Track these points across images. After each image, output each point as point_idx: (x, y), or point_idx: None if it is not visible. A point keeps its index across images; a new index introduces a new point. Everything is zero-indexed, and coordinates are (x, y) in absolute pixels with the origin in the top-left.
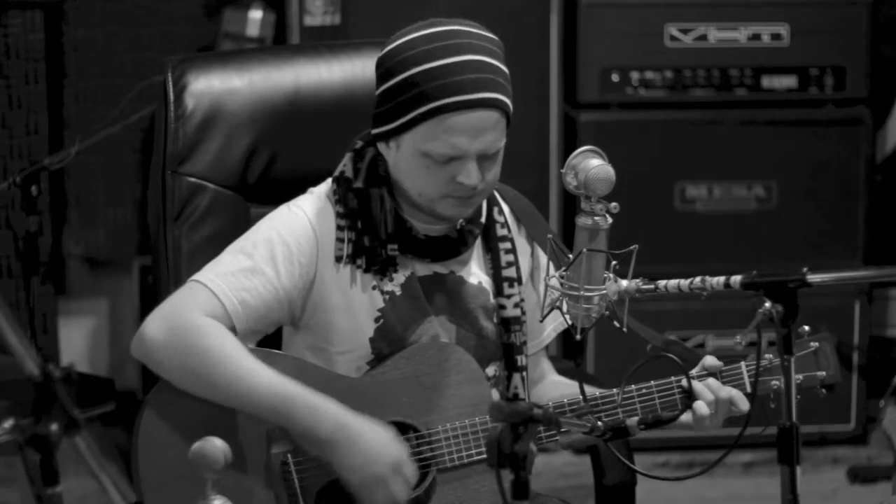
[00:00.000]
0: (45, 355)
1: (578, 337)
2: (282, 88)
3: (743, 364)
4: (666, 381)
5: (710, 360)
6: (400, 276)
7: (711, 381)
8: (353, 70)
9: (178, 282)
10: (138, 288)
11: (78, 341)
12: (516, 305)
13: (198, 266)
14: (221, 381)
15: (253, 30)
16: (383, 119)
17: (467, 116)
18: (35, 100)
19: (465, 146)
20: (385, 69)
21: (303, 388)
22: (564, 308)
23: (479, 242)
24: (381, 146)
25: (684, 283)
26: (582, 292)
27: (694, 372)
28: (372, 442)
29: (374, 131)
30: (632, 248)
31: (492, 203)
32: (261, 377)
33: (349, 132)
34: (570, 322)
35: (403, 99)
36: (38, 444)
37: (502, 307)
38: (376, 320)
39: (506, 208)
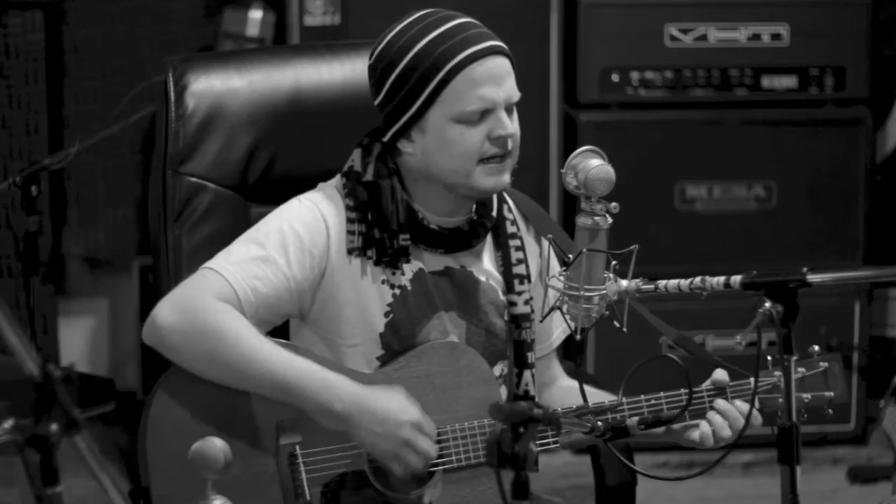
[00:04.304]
0: (45, 355)
1: (578, 337)
2: (282, 88)
3: (752, 380)
4: (675, 393)
5: (718, 375)
6: (409, 271)
7: (730, 410)
8: (353, 70)
9: (179, 282)
10: (138, 288)
11: (78, 341)
12: (526, 303)
13: (198, 266)
14: (236, 360)
15: (253, 30)
16: (398, 113)
17: (486, 65)
18: (35, 100)
19: (493, 95)
20: (383, 68)
21: (315, 364)
22: (565, 308)
23: (489, 239)
24: (404, 144)
25: (684, 283)
26: (582, 292)
27: (703, 387)
28: (387, 409)
29: (391, 132)
30: (632, 248)
31: (501, 201)
32: (274, 356)
33: (349, 132)
34: (570, 322)
35: (416, 79)
36: (38, 444)
37: (513, 304)
38: (386, 315)
39: (514, 208)
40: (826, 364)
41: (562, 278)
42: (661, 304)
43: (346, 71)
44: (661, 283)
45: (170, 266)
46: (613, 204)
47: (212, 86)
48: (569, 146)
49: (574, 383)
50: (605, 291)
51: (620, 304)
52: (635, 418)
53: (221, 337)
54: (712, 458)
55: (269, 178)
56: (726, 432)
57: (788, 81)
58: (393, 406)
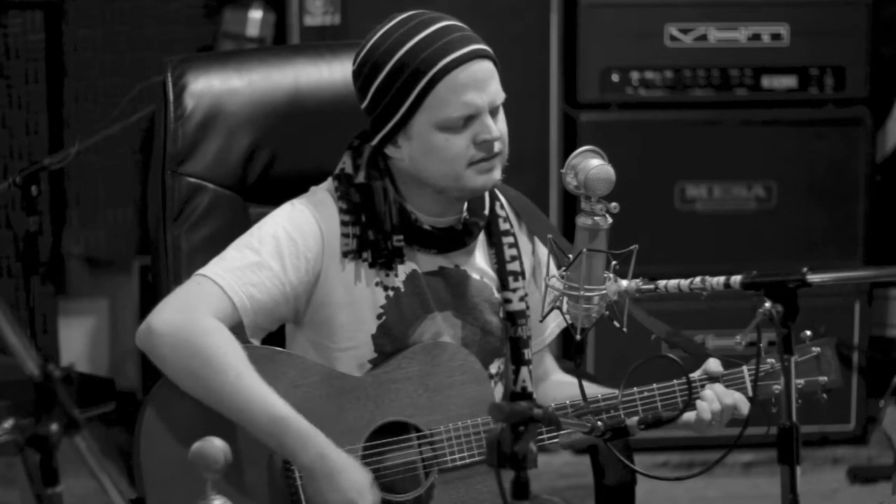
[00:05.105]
0: (45, 355)
1: (578, 337)
2: (282, 88)
3: (745, 368)
4: (668, 385)
5: (712, 365)
6: (402, 273)
7: (717, 386)
8: None
9: (178, 282)
10: (138, 288)
11: (78, 341)
12: (521, 299)
13: (197, 266)
14: (219, 389)
15: (253, 30)
16: (384, 118)
17: (469, 70)
18: (35, 100)
19: (476, 100)
20: (366, 73)
21: (295, 413)
22: (564, 308)
23: (482, 237)
24: (391, 150)
25: (684, 283)
26: (582, 292)
27: (696, 375)
28: (348, 482)
29: (378, 138)
30: (632, 248)
31: (493, 198)
32: (257, 395)
33: (349, 132)
34: (570, 322)
35: (400, 85)
36: (38, 444)
37: (508, 301)
38: (378, 317)
39: (506, 205)
40: (818, 349)
41: (562, 278)
42: (661, 304)
43: (346, 71)
44: (661, 283)
45: (169, 266)
46: (613, 204)
47: (211, 86)
48: (569, 146)
49: (567, 377)
50: (605, 291)
51: (620, 304)
52: (635, 418)
53: (208, 360)
54: (712, 458)
55: (269, 179)
56: (716, 405)
57: (788, 81)
58: (354, 484)
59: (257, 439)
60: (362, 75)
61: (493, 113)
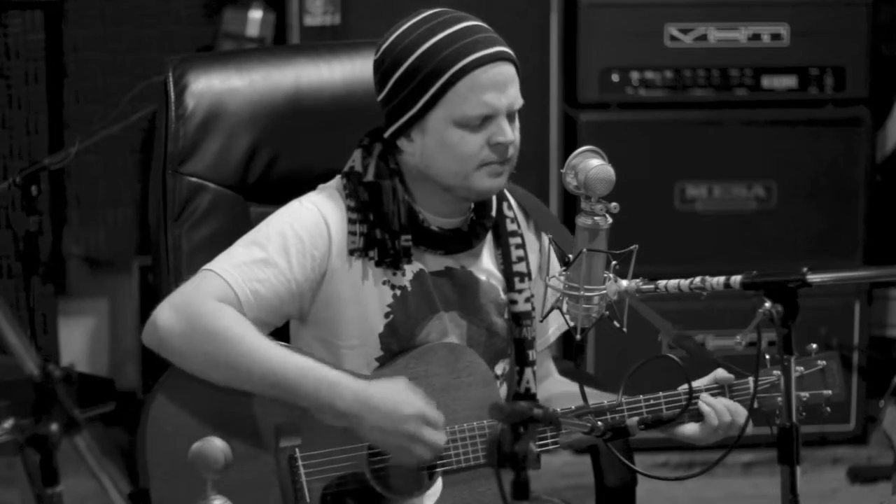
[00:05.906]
0: (45, 355)
1: (578, 337)
2: (282, 88)
3: (751, 380)
4: (674, 393)
5: (720, 373)
6: (409, 272)
7: (723, 402)
8: (353, 70)
9: (179, 282)
10: (138, 288)
11: (78, 341)
12: (527, 300)
13: (198, 266)
14: (237, 362)
15: (253, 30)
16: (400, 111)
17: (491, 71)
18: (35, 100)
19: (495, 102)
20: (388, 65)
21: (317, 362)
22: (564, 308)
23: (489, 238)
24: (403, 143)
25: (684, 283)
26: (582, 292)
27: (704, 384)
28: (390, 405)
29: (391, 130)
30: (632, 248)
31: (501, 198)
32: (276, 355)
33: (349, 132)
34: (570, 322)
35: (420, 79)
36: (38, 444)
37: (513, 302)
38: (386, 316)
39: (514, 204)
40: (824, 362)
41: (562, 278)
42: (661, 304)
43: (346, 71)
44: (661, 283)
45: (170, 266)
46: (613, 204)
47: (212, 85)
48: (569, 146)
49: (565, 380)
50: (605, 291)
51: (620, 304)
52: (635, 418)
53: (222, 338)
54: (712, 458)
55: (269, 178)
56: (713, 421)
57: (788, 81)
58: (396, 400)
59: (291, 402)
60: (384, 65)
61: (510, 118)
